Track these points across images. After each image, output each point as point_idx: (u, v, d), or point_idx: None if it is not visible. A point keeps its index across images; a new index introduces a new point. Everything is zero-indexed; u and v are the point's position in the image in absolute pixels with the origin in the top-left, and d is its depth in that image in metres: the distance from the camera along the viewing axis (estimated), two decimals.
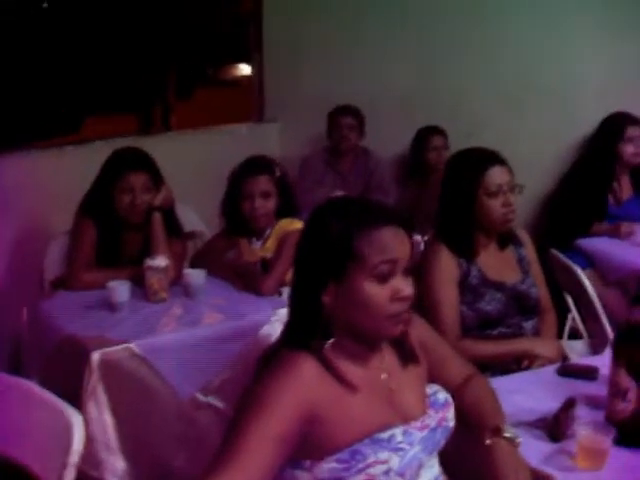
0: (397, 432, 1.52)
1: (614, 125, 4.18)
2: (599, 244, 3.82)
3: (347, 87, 4.74)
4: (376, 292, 1.49)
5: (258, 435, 1.39)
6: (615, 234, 3.87)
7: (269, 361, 1.53)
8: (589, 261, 3.76)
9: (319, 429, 1.47)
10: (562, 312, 3.49)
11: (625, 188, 4.20)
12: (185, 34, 8.39)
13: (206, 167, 4.48)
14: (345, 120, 4.60)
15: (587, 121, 4.31)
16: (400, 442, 1.51)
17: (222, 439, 1.42)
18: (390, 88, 4.71)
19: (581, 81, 4.38)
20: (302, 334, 1.54)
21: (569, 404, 1.87)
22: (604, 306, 3.50)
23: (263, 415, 1.41)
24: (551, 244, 3.80)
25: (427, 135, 4.61)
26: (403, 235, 1.55)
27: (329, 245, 1.51)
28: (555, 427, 1.81)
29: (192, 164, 4.46)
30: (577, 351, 3.31)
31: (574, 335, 3.47)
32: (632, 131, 4.10)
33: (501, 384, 2.05)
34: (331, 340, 1.53)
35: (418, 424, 1.58)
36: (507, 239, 2.63)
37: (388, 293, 1.50)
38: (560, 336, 3.47)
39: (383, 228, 1.51)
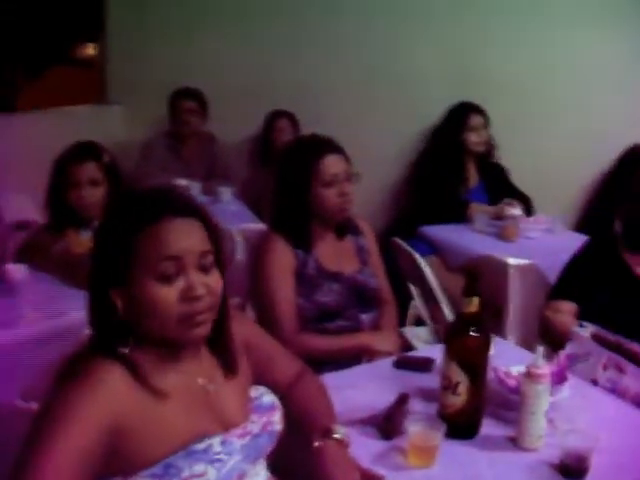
0: (215, 442, 1.40)
1: (458, 114, 4.24)
2: (441, 231, 3.85)
3: (193, 71, 4.57)
4: (160, 293, 1.35)
5: (59, 452, 1.24)
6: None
7: (71, 368, 1.38)
8: (432, 248, 3.78)
9: (128, 442, 1.33)
10: (407, 299, 3.51)
11: (472, 176, 4.27)
12: (35, 10, 7.86)
13: (44, 152, 4.18)
14: (186, 104, 4.43)
15: (433, 110, 4.34)
16: (218, 453, 1.39)
17: (16, 458, 1.26)
18: (236, 72, 4.58)
19: (426, 70, 4.41)
20: (103, 339, 1.39)
21: (401, 400, 1.83)
22: (447, 292, 3.54)
23: (63, 429, 1.26)
24: (395, 232, 3.81)
25: (275, 119, 4.52)
26: (191, 228, 1.40)
27: (110, 244, 1.37)
28: (387, 424, 1.75)
29: (31, 148, 4.15)
30: (421, 337, 3.34)
31: (421, 321, 3.48)
32: (475, 120, 4.16)
33: (335, 380, 2.00)
34: (131, 345, 1.38)
35: (239, 431, 1.47)
36: (345, 228, 2.56)
37: (176, 293, 1.36)
38: (404, 323, 3.48)
39: (165, 222, 1.37)
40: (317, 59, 4.49)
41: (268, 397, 1.59)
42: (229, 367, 1.54)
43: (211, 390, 1.48)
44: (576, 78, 4.41)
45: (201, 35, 4.56)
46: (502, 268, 3.28)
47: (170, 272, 1.35)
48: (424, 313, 3.45)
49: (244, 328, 1.66)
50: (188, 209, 1.42)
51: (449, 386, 1.72)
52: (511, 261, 3.28)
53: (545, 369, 1.68)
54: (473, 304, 1.69)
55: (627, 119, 4.35)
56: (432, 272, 3.31)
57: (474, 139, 4.15)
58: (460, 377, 1.70)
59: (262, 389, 1.60)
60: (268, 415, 1.55)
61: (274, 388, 1.64)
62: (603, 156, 4.37)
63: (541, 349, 1.71)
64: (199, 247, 1.39)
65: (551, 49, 4.39)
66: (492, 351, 1.87)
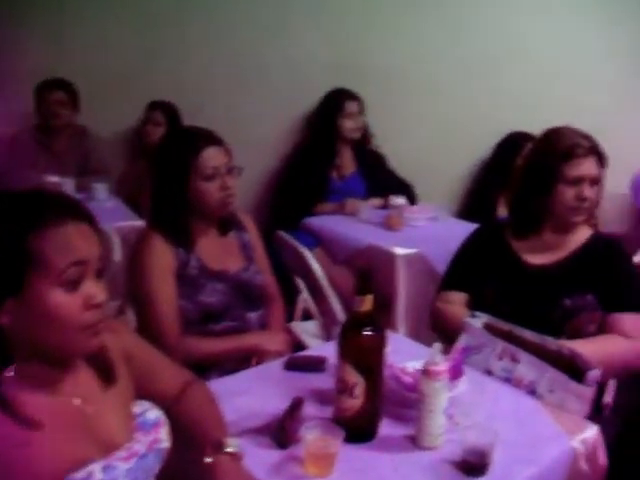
0: (96, 469, 1.27)
1: (333, 101, 4.19)
2: (326, 222, 3.80)
3: (63, 61, 4.29)
4: (65, 301, 1.23)
5: None
6: (340, 211, 3.87)
7: None
8: (317, 240, 3.71)
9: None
10: (295, 293, 3.44)
11: (348, 163, 4.23)
12: None
13: None
14: (54, 95, 4.17)
15: (312, 98, 4.28)
16: None
17: None
18: (112, 62, 4.34)
19: (306, 58, 4.34)
20: None
21: (295, 405, 1.73)
22: (334, 284, 3.49)
23: None
24: (279, 225, 3.73)
25: (151, 111, 4.33)
26: (90, 232, 1.30)
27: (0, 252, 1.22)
28: (281, 433, 1.65)
29: None
30: (310, 332, 3.27)
31: (309, 315, 3.41)
32: (350, 106, 4.13)
33: (225, 386, 1.91)
34: (11, 370, 1.24)
35: (123, 454, 1.34)
36: (228, 224, 2.44)
37: (79, 301, 1.25)
38: (292, 318, 3.40)
39: (66, 224, 1.25)
40: (197, 49, 4.34)
41: (153, 413, 1.46)
42: (107, 377, 1.41)
43: (90, 413, 1.34)
44: (454, 65, 4.43)
45: (73, 23, 4.29)
46: (389, 258, 3.25)
47: (75, 278, 1.24)
48: (312, 307, 3.38)
49: (123, 338, 1.53)
50: (82, 212, 1.30)
51: (345, 389, 1.64)
52: (398, 250, 3.25)
53: (442, 366, 1.62)
54: (366, 302, 1.61)
55: (505, 105, 4.40)
56: (318, 265, 3.24)
57: (349, 125, 4.13)
58: (356, 379, 1.62)
59: (146, 404, 1.48)
60: (154, 432, 1.43)
61: (159, 401, 1.53)
62: (483, 143, 4.40)
63: (437, 345, 1.65)
64: (98, 252, 1.30)
65: (428, 37, 4.40)
66: (387, 348, 1.81)
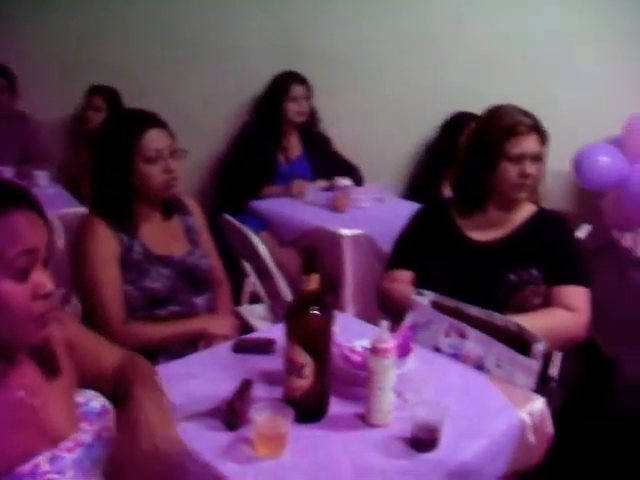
0: (42, 460, 1.24)
1: (279, 84, 4.17)
2: (272, 205, 3.77)
3: (1, 47, 4.17)
4: (15, 291, 1.21)
5: None
6: (287, 193, 3.85)
7: None
8: (264, 223, 3.69)
9: None
10: (242, 276, 3.42)
11: (294, 146, 4.22)
12: None
13: None
14: None
15: (259, 82, 4.24)
16: (47, 472, 1.24)
17: None
18: (49, 48, 4.25)
19: (253, 41, 4.30)
20: None
21: (244, 387, 1.72)
22: (282, 267, 3.47)
23: None
24: (225, 208, 3.70)
25: (91, 95, 4.25)
26: (37, 219, 1.27)
27: None
28: (231, 415, 1.63)
29: None
30: (258, 315, 3.26)
31: (257, 298, 3.40)
32: (296, 90, 4.11)
33: (173, 370, 1.89)
34: None
35: (69, 444, 1.31)
36: (172, 208, 2.41)
37: (29, 291, 1.22)
38: (240, 301, 3.39)
39: (14, 213, 1.22)
40: (139, 32, 4.27)
41: (97, 401, 1.44)
42: (51, 369, 1.37)
43: (35, 404, 1.31)
44: (399, 48, 4.43)
45: (10, 7, 4.18)
46: (335, 239, 3.25)
47: (24, 267, 1.21)
48: (260, 290, 3.37)
49: (65, 328, 1.49)
50: (30, 200, 1.27)
51: (294, 369, 1.63)
52: (344, 232, 3.25)
53: (390, 343, 1.62)
54: (312, 282, 1.60)
55: (451, 85, 4.42)
56: (265, 248, 3.22)
57: (294, 109, 4.12)
58: (305, 359, 1.61)
59: (90, 393, 1.45)
60: (100, 421, 1.40)
61: (104, 386, 1.50)
62: (428, 124, 4.42)
63: (385, 323, 1.65)
64: (45, 240, 1.27)
65: (373, 19, 4.39)
66: (335, 328, 1.80)
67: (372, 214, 3.60)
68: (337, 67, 4.39)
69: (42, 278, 1.25)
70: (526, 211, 2.42)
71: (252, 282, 3.41)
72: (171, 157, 2.27)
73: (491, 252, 2.35)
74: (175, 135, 2.32)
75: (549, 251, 2.31)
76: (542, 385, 2.10)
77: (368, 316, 2.69)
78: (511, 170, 2.31)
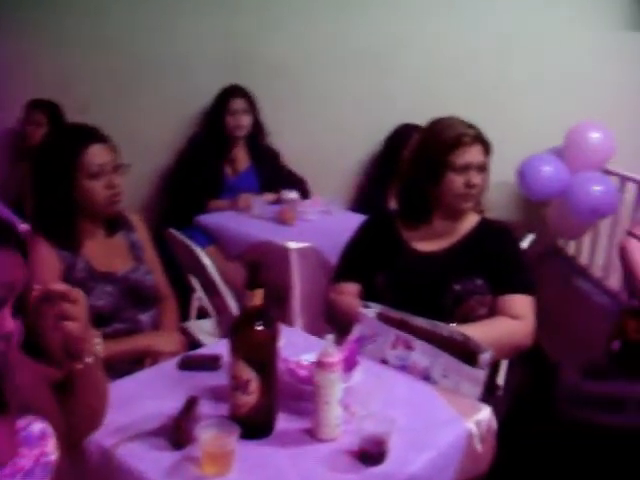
0: None
1: (220, 98, 4.18)
2: (219, 219, 3.75)
3: None
4: None
5: None
6: (234, 207, 3.83)
7: None
8: (211, 237, 3.66)
9: None
10: (190, 291, 3.39)
11: (242, 159, 4.20)
12: None
13: None
14: None
15: (206, 95, 4.22)
16: None
17: None
18: None
19: (198, 55, 4.28)
20: None
21: (190, 404, 1.69)
22: (229, 281, 3.44)
23: None
24: (172, 223, 3.67)
25: (30, 110, 4.17)
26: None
27: None
28: (176, 433, 1.61)
29: None
30: (205, 330, 3.24)
31: (205, 313, 3.37)
32: (235, 104, 4.10)
33: (119, 389, 1.83)
34: None
35: (6, 471, 1.28)
36: (116, 224, 2.38)
37: None
38: (188, 317, 3.36)
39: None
40: (81, 45, 4.21)
41: (37, 425, 1.39)
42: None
43: None
44: (344, 60, 4.43)
45: None
46: (282, 253, 3.24)
47: None
48: (207, 305, 3.34)
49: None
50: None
51: (239, 386, 1.62)
52: (291, 245, 3.24)
53: (335, 357, 1.62)
54: (257, 297, 1.59)
55: (396, 98, 4.44)
56: (212, 262, 3.20)
57: (232, 123, 4.09)
58: (250, 375, 1.60)
59: (29, 417, 1.41)
60: (40, 446, 1.36)
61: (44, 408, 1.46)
62: (374, 136, 4.43)
63: (330, 337, 1.65)
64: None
65: (319, 32, 4.39)
66: (281, 342, 1.79)
67: (319, 227, 3.60)
68: (283, 80, 4.38)
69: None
70: (470, 221, 2.44)
71: (199, 297, 3.38)
72: (114, 172, 2.24)
73: (436, 263, 2.37)
74: (119, 150, 2.30)
75: (493, 261, 2.34)
76: (489, 394, 2.11)
77: (316, 329, 2.69)
78: (457, 181, 2.33)
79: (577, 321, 4.05)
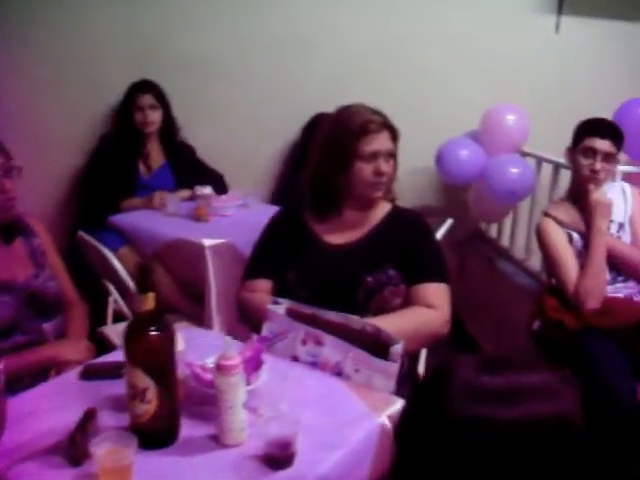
0: None
1: (128, 94, 4.06)
2: (132, 218, 3.63)
3: None
4: None
5: None
6: (148, 206, 3.73)
7: None
8: (125, 238, 3.55)
9: None
10: (106, 295, 3.30)
11: (156, 157, 4.08)
12: None
13: None
14: None
15: (116, 91, 4.08)
16: None
17: None
18: None
19: (105, 50, 4.14)
20: None
21: (87, 417, 1.61)
22: None
23: None
24: (86, 225, 3.56)
25: None
26: None
27: None
28: (73, 449, 1.52)
29: None
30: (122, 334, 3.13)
31: (122, 317, 3.27)
32: (141, 99, 3.99)
33: (15, 405, 1.72)
34: None
35: None
36: (13, 230, 2.26)
37: None
38: (105, 321, 3.26)
39: None
40: None
41: None
42: None
43: None
44: (261, 51, 4.35)
45: None
46: (197, 250, 3.16)
47: None
48: (123, 308, 3.24)
49: None
50: None
51: (136, 394, 1.54)
52: (205, 242, 3.16)
53: (235, 359, 1.55)
54: (148, 300, 1.51)
55: (315, 87, 4.38)
56: (124, 265, 3.10)
57: (140, 119, 3.97)
58: (146, 382, 1.52)
59: None
60: None
61: None
62: (293, 126, 4.37)
63: (229, 339, 1.58)
64: None
65: (234, 22, 4.30)
66: (182, 346, 1.72)
67: (235, 221, 3.53)
68: (195, 74, 4.27)
69: None
70: (381, 211, 2.40)
71: (115, 300, 3.27)
72: (5, 177, 2.13)
73: (347, 255, 2.31)
74: (8, 152, 2.18)
75: (405, 250, 2.29)
76: (410, 385, 2.07)
77: (235, 326, 2.62)
78: (366, 169, 2.28)
79: (501, 303, 4.08)
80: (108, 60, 4.17)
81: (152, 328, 1.52)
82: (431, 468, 1.05)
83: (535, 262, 3.85)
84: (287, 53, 4.38)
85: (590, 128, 3.03)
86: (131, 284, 2.98)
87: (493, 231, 4.56)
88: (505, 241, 4.34)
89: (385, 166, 2.29)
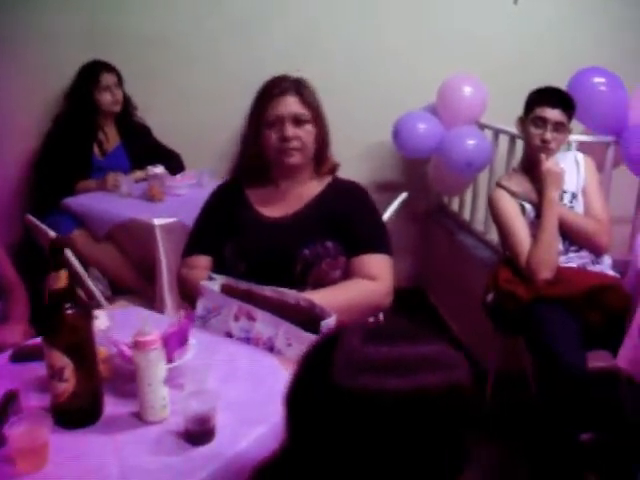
0: None
1: (89, 73, 3.97)
2: (85, 200, 3.60)
3: None
4: None
5: None
6: (102, 187, 3.69)
7: None
8: (78, 220, 3.52)
9: None
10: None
11: (111, 137, 4.02)
12: None
13: None
14: None
15: (69, 71, 4.02)
16: None
17: None
18: None
19: (59, 29, 4.07)
20: None
21: (7, 399, 1.59)
22: (99, 263, 3.34)
23: None
24: (40, 208, 3.53)
25: None
26: None
27: None
28: None
29: None
30: None
31: None
32: (106, 79, 3.93)
33: None
34: None
35: None
36: None
37: None
38: None
39: None
40: None
41: None
42: None
43: None
44: (212, 33, 4.30)
45: None
46: (148, 230, 3.14)
47: None
48: (83, 295, 3.21)
49: None
50: None
51: (55, 374, 1.52)
52: (156, 221, 3.14)
53: (153, 335, 1.54)
54: (61, 278, 1.49)
55: (265, 68, 4.32)
56: (77, 248, 3.08)
57: (107, 99, 3.91)
58: (63, 361, 1.50)
59: None
60: None
61: None
62: (245, 104, 4.31)
63: (146, 314, 1.57)
64: None
65: (188, 6, 4.25)
66: (105, 324, 1.71)
67: (188, 200, 3.49)
68: (149, 52, 4.21)
69: None
70: (320, 183, 2.38)
71: None
72: None
73: (283, 228, 2.29)
74: None
75: (345, 221, 2.27)
76: None
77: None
78: (271, 136, 2.27)
79: (462, 275, 4.08)
80: (61, 40, 4.10)
81: (67, 306, 1.49)
82: (319, 439, 1.04)
83: (494, 235, 3.84)
84: (242, 32, 4.33)
85: (540, 97, 3.01)
86: (78, 267, 2.96)
87: (455, 205, 4.54)
88: (466, 215, 4.33)
89: (292, 131, 2.25)
